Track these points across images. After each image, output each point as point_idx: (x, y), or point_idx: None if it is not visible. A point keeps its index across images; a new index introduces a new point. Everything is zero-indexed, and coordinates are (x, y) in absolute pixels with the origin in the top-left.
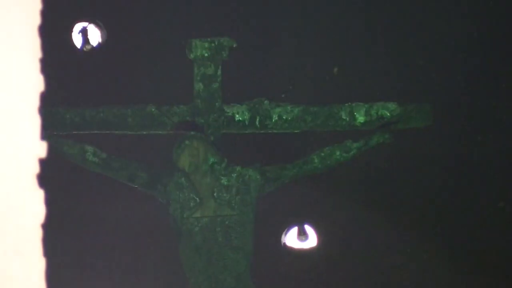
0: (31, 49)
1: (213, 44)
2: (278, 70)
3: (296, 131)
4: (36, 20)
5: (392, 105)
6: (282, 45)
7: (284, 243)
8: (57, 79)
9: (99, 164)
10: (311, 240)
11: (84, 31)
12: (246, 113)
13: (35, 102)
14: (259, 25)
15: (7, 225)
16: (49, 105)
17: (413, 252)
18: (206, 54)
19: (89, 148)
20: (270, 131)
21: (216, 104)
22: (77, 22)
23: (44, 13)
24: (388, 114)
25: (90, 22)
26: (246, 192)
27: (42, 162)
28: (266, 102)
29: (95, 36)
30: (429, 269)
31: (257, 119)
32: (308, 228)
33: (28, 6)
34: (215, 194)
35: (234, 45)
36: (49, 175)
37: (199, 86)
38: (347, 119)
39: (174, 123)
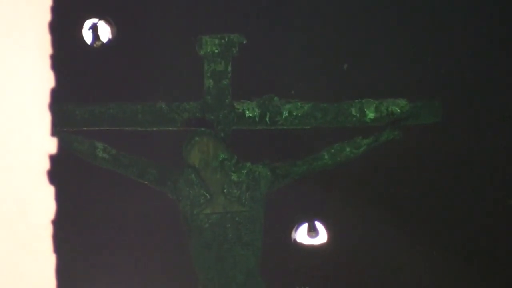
0: (41, 46)
1: (223, 41)
2: (288, 66)
3: (306, 128)
4: (46, 17)
5: (402, 102)
6: (292, 42)
7: (294, 239)
8: (67, 76)
9: (109, 161)
10: (321, 236)
11: (94, 28)
12: (256, 110)
13: (45, 98)
14: (269, 22)
15: (17, 221)
16: (59, 102)
17: (422, 249)
18: (216, 51)
19: (99, 144)
20: (280, 128)
21: (226, 100)
22: (87, 19)
23: (54, 10)
24: (398, 110)
25: (100, 18)
26: (256, 189)
27: (52, 159)
28: (276, 98)
29: (105, 32)
30: (438, 266)
31: (267, 116)
32: (318, 225)
33: (38, 3)
34: (225, 191)
35: (244, 42)
36: (59, 171)
37: (209, 82)
38: (357, 115)
39: (184, 119)
